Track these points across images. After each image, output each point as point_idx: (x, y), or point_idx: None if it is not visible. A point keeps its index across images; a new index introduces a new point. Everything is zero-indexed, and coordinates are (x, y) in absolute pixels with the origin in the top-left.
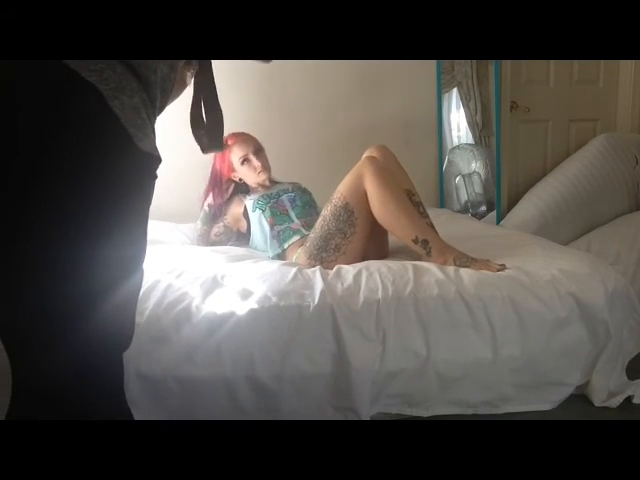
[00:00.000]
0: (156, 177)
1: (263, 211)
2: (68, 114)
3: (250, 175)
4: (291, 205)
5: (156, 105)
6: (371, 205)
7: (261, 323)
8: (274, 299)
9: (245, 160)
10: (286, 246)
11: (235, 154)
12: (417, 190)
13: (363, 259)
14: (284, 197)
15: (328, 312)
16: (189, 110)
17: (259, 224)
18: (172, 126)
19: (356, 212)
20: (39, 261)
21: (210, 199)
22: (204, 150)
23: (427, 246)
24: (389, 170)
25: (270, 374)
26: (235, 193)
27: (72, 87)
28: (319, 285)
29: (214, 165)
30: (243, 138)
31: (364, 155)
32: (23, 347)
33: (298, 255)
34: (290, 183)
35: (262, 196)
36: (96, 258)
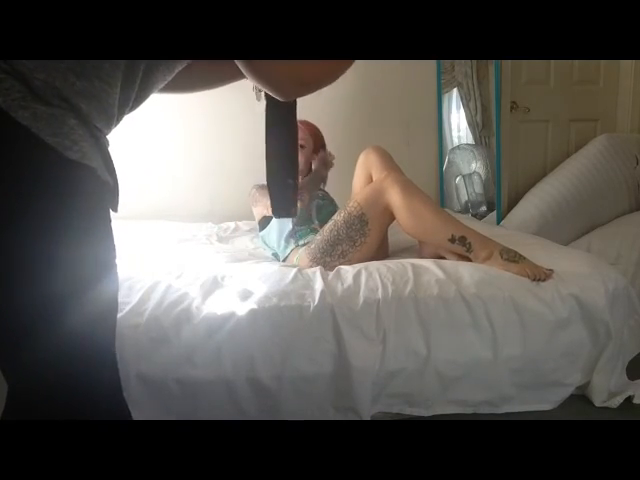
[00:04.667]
0: (105, 183)
1: None
2: None
3: (322, 166)
4: (317, 212)
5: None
6: (399, 218)
7: (261, 324)
8: (274, 300)
9: (324, 147)
10: (301, 242)
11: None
12: None
13: None
14: (314, 202)
15: (328, 312)
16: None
17: (283, 224)
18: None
19: (370, 224)
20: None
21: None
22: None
23: (465, 242)
24: (410, 180)
25: (270, 375)
26: None
27: None
28: (319, 285)
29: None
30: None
31: (362, 156)
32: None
33: (300, 256)
34: (322, 190)
35: None
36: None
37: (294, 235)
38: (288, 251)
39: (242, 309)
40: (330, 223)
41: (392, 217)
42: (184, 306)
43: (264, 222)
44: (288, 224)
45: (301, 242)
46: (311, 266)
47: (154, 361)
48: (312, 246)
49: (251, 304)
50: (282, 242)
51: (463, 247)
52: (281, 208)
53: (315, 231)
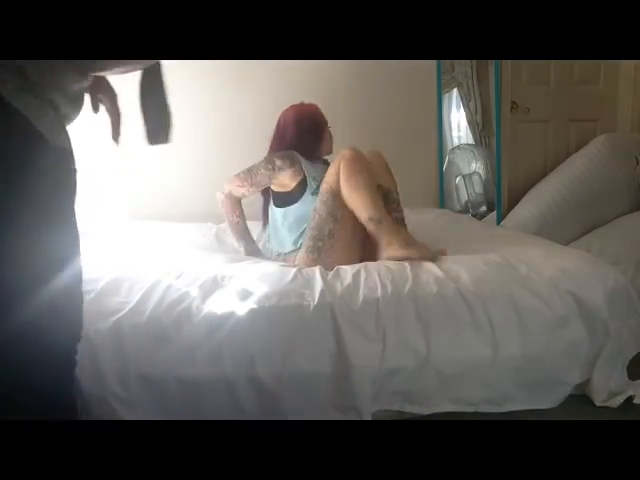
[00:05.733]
0: (76, 170)
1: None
2: None
3: (327, 139)
4: None
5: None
6: (341, 188)
7: (261, 323)
8: (274, 299)
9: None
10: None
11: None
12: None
13: (359, 258)
14: None
15: (328, 311)
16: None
17: (308, 210)
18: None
19: (340, 196)
20: None
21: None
22: (115, 134)
23: (379, 226)
24: (364, 161)
25: (270, 374)
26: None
27: None
28: (319, 285)
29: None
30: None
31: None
32: None
33: (299, 257)
34: None
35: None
36: (20, 254)
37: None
38: (297, 245)
39: (242, 308)
40: (312, 213)
41: None
42: (184, 306)
43: (286, 199)
44: (305, 221)
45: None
46: (309, 259)
47: (154, 360)
48: (305, 241)
49: (251, 303)
50: (294, 237)
51: (377, 229)
52: (157, 134)
53: None
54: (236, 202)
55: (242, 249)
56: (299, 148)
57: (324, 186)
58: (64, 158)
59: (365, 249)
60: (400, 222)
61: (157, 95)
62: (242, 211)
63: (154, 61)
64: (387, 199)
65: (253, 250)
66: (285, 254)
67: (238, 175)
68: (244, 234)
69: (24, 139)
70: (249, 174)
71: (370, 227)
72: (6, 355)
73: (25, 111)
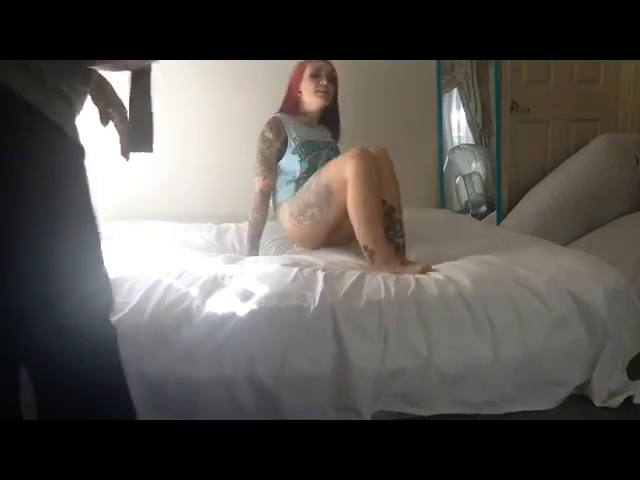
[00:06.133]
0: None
1: (301, 160)
2: None
3: (310, 91)
4: (325, 163)
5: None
6: (348, 199)
7: (262, 324)
8: (275, 300)
9: (314, 76)
10: (297, 195)
11: (311, 67)
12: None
13: (331, 235)
14: (324, 153)
15: (328, 313)
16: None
17: (289, 168)
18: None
19: (334, 194)
20: None
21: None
22: (125, 150)
23: (372, 256)
24: (374, 176)
25: (271, 375)
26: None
27: None
28: (320, 286)
29: (291, 76)
30: (326, 64)
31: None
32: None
33: (283, 209)
34: (330, 141)
35: (305, 142)
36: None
37: (298, 181)
38: (285, 197)
39: (242, 309)
40: (307, 184)
41: None
42: (184, 306)
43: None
44: (294, 172)
45: (295, 193)
46: (290, 221)
47: (154, 361)
48: (293, 202)
49: (251, 304)
50: (285, 185)
51: (369, 259)
52: (143, 142)
53: None
54: (266, 199)
55: (245, 249)
56: (283, 104)
57: (322, 179)
58: (81, 154)
59: (338, 236)
60: (399, 249)
61: (146, 103)
62: (267, 213)
63: (146, 63)
64: (390, 218)
65: (253, 255)
66: (276, 204)
67: (256, 171)
68: (256, 237)
69: (42, 132)
70: (260, 164)
71: (363, 251)
72: (55, 349)
73: (40, 105)
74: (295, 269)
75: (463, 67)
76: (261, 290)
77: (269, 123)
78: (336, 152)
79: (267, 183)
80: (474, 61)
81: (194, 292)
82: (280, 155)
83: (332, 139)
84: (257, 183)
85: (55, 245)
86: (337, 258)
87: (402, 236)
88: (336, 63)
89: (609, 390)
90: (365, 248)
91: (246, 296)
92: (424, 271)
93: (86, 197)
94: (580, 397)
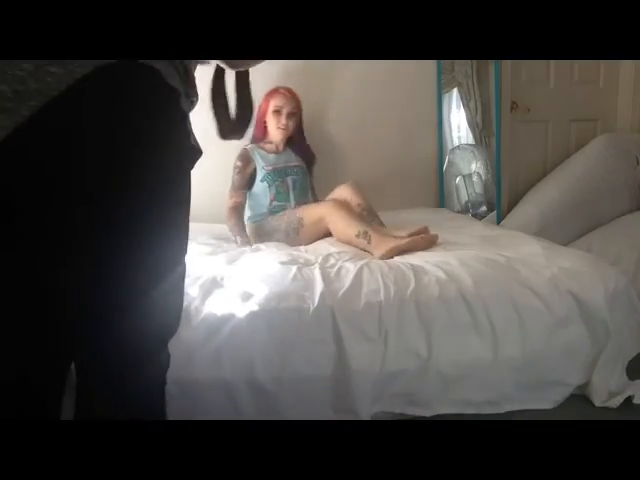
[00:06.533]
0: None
1: (269, 186)
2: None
3: (272, 126)
4: (292, 187)
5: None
6: (325, 216)
7: (261, 325)
8: (274, 301)
9: (277, 112)
10: (270, 219)
11: (274, 103)
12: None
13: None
14: (289, 179)
15: (328, 314)
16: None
17: (261, 194)
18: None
19: (305, 226)
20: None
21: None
22: (224, 134)
23: (367, 236)
24: (346, 209)
25: (270, 377)
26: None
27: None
28: (319, 287)
29: (260, 105)
30: (290, 96)
31: (337, 190)
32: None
33: (251, 230)
34: (295, 165)
35: (272, 171)
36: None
37: (269, 208)
38: (255, 220)
39: (242, 310)
40: (280, 214)
41: (324, 228)
42: (183, 307)
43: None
44: (265, 199)
45: (269, 218)
46: (255, 240)
47: None
48: (262, 224)
49: (251, 305)
50: (257, 208)
51: (365, 240)
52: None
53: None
54: (237, 211)
55: (239, 241)
56: (253, 132)
57: (297, 212)
58: (198, 154)
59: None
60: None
61: (248, 97)
62: (241, 217)
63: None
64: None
65: (246, 242)
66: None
67: (229, 193)
68: (241, 232)
69: (179, 123)
70: (231, 188)
71: (357, 238)
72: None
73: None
74: (294, 268)
75: (463, 67)
76: (260, 291)
77: (239, 154)
78: (302, 175)
79: (236, 201)
80: (474, 61)
81: (193, 292)
82: (252, 180)
83: (298, 162)
84: (228, 202)
85: (171, 236)
86: (331, 250)
87: (380, 222)
88: (336, 63)
89: (609, 390)
90: (358, 234)
91: (245, 297)
92: (426, 241)
93: (189, 198)
94: (580, 397)
